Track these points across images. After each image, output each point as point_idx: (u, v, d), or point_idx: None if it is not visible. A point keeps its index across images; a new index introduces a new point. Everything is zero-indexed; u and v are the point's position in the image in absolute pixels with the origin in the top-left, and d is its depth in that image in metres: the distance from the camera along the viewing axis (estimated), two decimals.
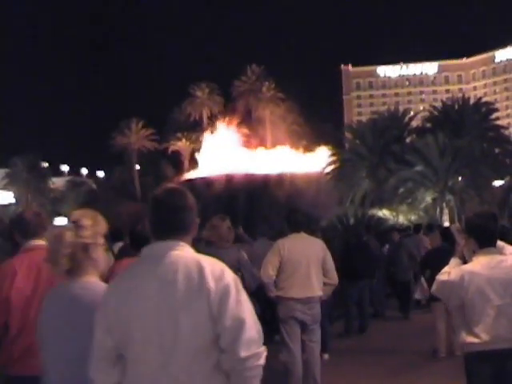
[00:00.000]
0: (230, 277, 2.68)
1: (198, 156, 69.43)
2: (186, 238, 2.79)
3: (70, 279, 3.10)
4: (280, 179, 55.37)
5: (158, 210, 2.79)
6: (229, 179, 56.82)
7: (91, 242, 3.11)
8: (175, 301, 2.61)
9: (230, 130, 69.44)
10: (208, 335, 2.61)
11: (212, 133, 69.74)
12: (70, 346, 2.98)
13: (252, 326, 2.65)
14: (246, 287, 6.90)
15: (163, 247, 2.73)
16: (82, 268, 3.11)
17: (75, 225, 3.10)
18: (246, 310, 2.68)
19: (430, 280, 7.67)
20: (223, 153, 62.99)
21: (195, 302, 2.60)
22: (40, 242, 4.34)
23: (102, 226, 3.19)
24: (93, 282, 3.14)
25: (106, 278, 5.51)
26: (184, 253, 2.72)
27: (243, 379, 2.62)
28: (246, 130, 71.42)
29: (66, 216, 48.23)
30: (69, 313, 3.02)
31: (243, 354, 2.59)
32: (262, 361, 2.65)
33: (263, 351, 2.66)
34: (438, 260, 5.65)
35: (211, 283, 2.62)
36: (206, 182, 58.98)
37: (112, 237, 8.51)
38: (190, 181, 64.09)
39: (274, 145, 69.16)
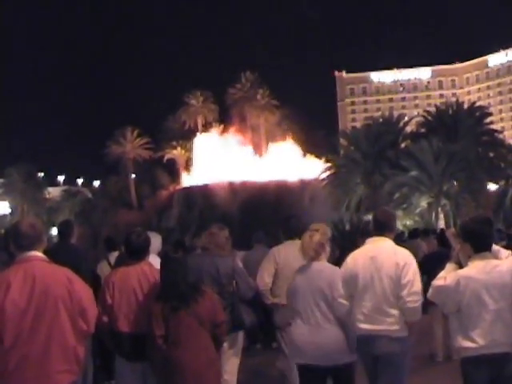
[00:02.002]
0: (408, 257, 5.16)
1: (193, 164, 69.38)
2: (390, 235, 5.35)
3: (311, 262, 5.55)
4: (276, 186, 55.34)
5: (376, 221, 5.44)
6: (227, 187, 56.72)
7: (324, 241, 5.55)
8: (381, 268, 5.09)
9: (225, 137, 69.46)
10: (396, 288, 5.04)
11: (207, 139, 69.73)
12: (313, 300, 5.47)
13: (415, 285, 5.03)
14: (241, 296, 6.82)
15: (377, 239, 5.32)
16: (319, 256, 5.55)
17: (315, 231, 5.53)
18: (414, 275, 5.07)
19: (427, 285, 7.66)
20: (219, 160, 62.90)
21: (394, 271, 5.06)
22: (35, 254, 4.26)
23: (327, 231, 5.64)
24: (325, 263, 5.63)
25: (102, 287, 5.49)
26: (387, 243, 5.29)
27: (407, 311, 5.04)
28: (240, 138, 71.39)
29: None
30: (314, 281, 5.48)
31: (408, 299, 4.99)
32: (419, 303, 5.05)
33: (420, 299, 5.05)
34: (434, 265, 5.63)
35: (400, 260, 5.10)
36: (203, 190, 58.87)
37: (107, 246, 8.47)
38: (186, 189, 64.02)
39: (268, 152, 69.22)
